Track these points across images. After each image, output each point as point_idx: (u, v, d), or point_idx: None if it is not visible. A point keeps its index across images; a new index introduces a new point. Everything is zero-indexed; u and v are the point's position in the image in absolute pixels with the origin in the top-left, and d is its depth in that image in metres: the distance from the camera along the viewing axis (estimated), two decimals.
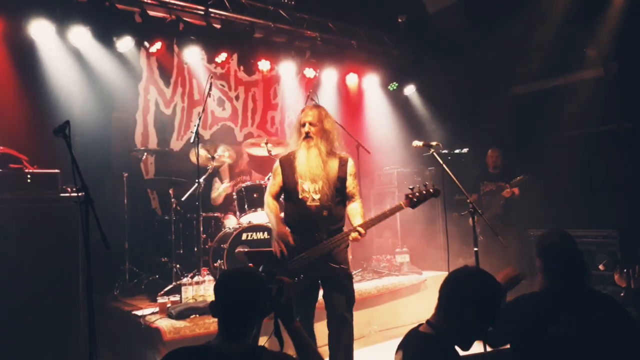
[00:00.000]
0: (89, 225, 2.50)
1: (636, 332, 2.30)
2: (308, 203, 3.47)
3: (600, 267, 4.30)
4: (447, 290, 1.98)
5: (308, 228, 3.47)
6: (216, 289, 1.86)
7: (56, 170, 4.28)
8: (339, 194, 3.56)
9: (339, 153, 3.63)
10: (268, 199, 3.65)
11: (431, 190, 3.56)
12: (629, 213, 6.72)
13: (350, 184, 3.61)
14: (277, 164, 3.68)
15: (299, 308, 3.31)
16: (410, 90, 8.19)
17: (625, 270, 3.92)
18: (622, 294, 3.94)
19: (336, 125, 3.71)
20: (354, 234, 3.42)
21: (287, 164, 3.60)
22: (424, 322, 2.01)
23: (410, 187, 3.64)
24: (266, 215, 3.74)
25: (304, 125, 3.54)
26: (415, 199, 3.55)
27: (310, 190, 3.47)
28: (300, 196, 3.49)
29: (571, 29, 6.71)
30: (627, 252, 6.01)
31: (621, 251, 6.15)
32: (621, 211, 6.74)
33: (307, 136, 3.51)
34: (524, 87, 8.20)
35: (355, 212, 3.61)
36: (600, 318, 2.21)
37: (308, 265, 3.41)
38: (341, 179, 3.54)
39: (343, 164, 3.57)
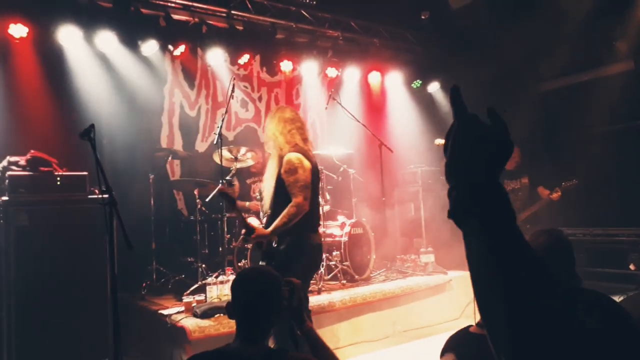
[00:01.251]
0: (114, 226, 2.56)
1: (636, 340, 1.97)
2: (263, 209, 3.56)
3: (631, 266, 4.16)
4: None
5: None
6: (234, 289, 1.87)
7: (84, 173, 4.39)
8: (277, 195, 3.46)
9: (287, 151, 3.49)
10: None
11: None
12: None
13: (285, 182, 3.44)
14: None
15: None
16: (434, 87, 8.09)
17: None
18: None
19: (280, 127, 3.55)
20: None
21: None
22: (474, 324, 1.95)
23: None
24: None
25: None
26: None
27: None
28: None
29: (599, 22, 6.54)
30: None
31: None
32: None
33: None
34: (552, 83, 8.02)
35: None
36: (593, 323, 1.92)
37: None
38: (278, 178, 3.46)
39: (280, 163, 3.48)
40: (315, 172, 3.55)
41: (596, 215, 6.58)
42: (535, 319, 0.70)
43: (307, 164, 3.45)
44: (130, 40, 5.58)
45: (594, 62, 7.33)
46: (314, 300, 4.70)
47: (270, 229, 3.30)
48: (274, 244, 3.39)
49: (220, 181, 5.26)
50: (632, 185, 6.86)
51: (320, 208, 5.59)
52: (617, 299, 5.04)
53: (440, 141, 4.10)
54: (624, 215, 6.51)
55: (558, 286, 0.73)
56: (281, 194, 3.43)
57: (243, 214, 3.61)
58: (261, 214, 3.72)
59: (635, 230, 6.14)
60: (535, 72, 7.90)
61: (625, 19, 6.48)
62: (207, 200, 5.48)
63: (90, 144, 2.81)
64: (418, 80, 7.90)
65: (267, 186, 3.59)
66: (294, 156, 3.43)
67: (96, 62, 5.58)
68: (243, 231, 3.30)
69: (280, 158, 3.48)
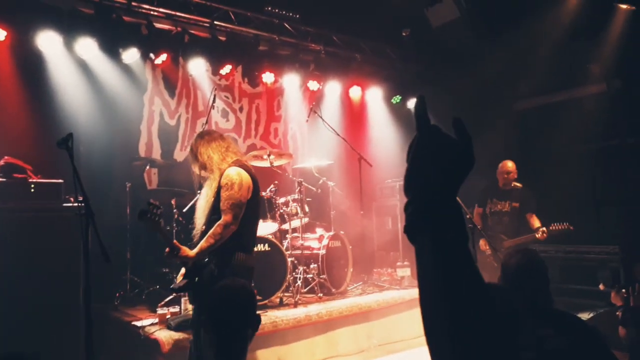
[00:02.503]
0: (89, 237, 2.53)
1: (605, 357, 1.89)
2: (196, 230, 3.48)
3: (600, 286, 4.26)
4: None
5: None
6: (213, 308, 1.87)
7: (59, 180, 4.33)
8: (213, 212, 3.35)
9: (227, 165, 3.41)
10: None
11: None
12: (632, 229, 6.70)
13: (221, 196, 3.34)
14: None
15: None
16: (413, 103, 8.21)
17: (624, 289, 3.89)
18: (617, 313, 3.91)
19: (211, 147, 3.45)
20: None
21: None
22: None
23: None
24: None
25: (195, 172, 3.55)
26: None
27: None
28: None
29: (575, 44, 6.75)
30: (629, 269, 5.98)
31: (623, 268, 6.11)
32: (624, 227, 6.71)
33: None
34: (528, 102, 8.23)
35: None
36: (564, 344, 1.87)
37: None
38: (217, 194, 3.35)
39: (219, 179, 3.37)
40: (255, 189, 3.44)
41: (567, 232, 6.73)
42: (474, 346, 0.68)
43: (246, 180, 3.35)
44: (111, 47, 5.54)
45: (568, 83, 7.55)
46: (290, 314, 4.70)
47: (195, 250, 3.18)
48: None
49: (198, 192, 5.24)
50: (603, 203, 7.04)
51: (299, 220, 5.62)
52: (587, 315, 5.16)
53: None
54: (595, 232, 6.68)
55: (499, 318, 0.71)
56: (217, 211, 3.32)
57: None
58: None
59: (605, 248, 6.31)
60: (512, 90, 8.09)
61: (598, 42, 6.68)
62: (184, 210, 5.46)
63: (68, 154, 2.79)
64: (398, 96, 8.03)
65: (201, 204, 3.43)
66: (233, 171, 3.34)
67: (75, 68, 5.52)
68: (167, 250, 3.17)
69: (221, 175, 3.36)
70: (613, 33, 6.50)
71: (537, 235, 5.66)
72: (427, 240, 0.72)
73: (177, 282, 3.39)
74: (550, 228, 5.67)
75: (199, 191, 5.15)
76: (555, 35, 6.77)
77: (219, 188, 3.32)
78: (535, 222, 5.84)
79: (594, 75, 7.36)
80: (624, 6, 6.11)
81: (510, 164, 6.08)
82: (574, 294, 6.13)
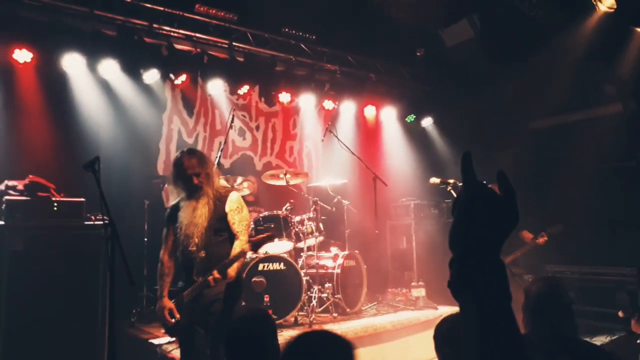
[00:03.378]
0: (115, 260, 2.58)
1: None
2: (190, 247, 3.40)
3: (620, 314, 4.23)
4: None
5: (189, 271, 3.44)
6: (229, 341, 1.90)
7: (81, 199, 4.43)
8: (216, 234, 3.44)
9: (221, 190, 3.55)
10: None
11: (268, 237, 3.52)
12: None
13: (230, 220, 3.47)
14: (166, 215, 3.59)
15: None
16: (427, 122, 8.26)
17: None
18: (638, 341, 3.87)
19: (213, 168, 3.58)
20: (209, 282, 3.29)
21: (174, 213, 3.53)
22: None
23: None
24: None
25: (189, 176, 3.42)
26: (256, 243, 3.47)
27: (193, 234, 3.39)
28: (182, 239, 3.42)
29: (590, 65, 6.76)
30: None
31: None
32: None
33: (196, 186, 3.44)
34: (542, 122, 8.23)
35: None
36: None
37: (185, 307, 3.37)
38: (220, 217, 3.44)
39: (223, 201, 3.47)
40: None
41: (584, 253, 6.68)
42: None
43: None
44: (133, 68, 5.68)
45: (583, 103, 7.56)
46: None
47: (232, 271, 3.31)
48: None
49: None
50: (620, 224, 6.99)
51: (314, 238, 5.67)
52: (605, 339, 5.09)
53: (435, 180, 4.20)
54: (611, 254, 6.62)
55: None
56: (221, 232, 3.43)
57: None
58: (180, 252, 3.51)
59: (621, 269, 6.24)
60: (526, 110, 8.10)
61: (614, 63, 6.69)
62: None
63: (94, 176, 2.86)
64: (412, 115, 8.07)
65: (196, 222, 3.39)
66: (238, 196, 3.54)
67: (98, 88, 5.66)
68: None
69: (220, 196, 3.46)
70: (630, 55, 6.51)
71: (538, 241, 5.87)
72: (470, 301, 0.74)
73: (169, 322, 3.36)
74: (548, 232, 5.88)
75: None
76: (572, 55, 6.79)
77: (220, 209, 3.43)
78: (528, 234, 6.05)
79: (610, 96, 7.37)
80: None
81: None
82: (591, 316, 6.06)
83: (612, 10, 5.84)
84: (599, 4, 5.81)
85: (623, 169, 7.27)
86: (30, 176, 4.44)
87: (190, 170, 3.41)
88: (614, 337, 5.26)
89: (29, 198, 4.27)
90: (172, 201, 3.62)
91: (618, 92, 7.18)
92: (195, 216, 3.39)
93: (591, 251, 6.72)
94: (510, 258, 5.90)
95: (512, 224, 0.78)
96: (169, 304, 3.37)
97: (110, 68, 5.49)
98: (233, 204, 3.46)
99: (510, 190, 0.80)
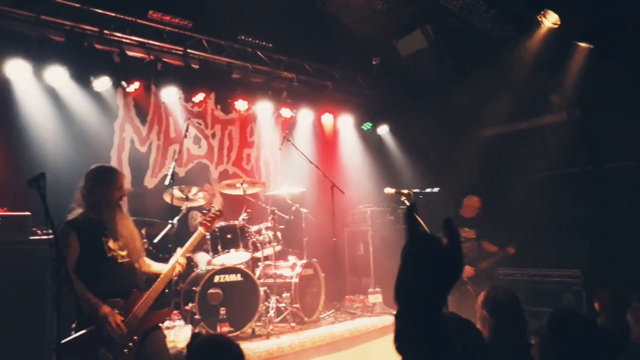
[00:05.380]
0: (61, 282, 2.49)
1: None
2: (119, 260, 3.45)
3: None
4: None
5: (126, 285, 3.48)
6: None
7: (27, 213, 4.24)
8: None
9: None
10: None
11: (217, 212, 3.99)
12: (592, 253, 6.98)
13: None
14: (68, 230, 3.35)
15: None
16: (383, 130, 8.39)
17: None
18: None
19: None
20: (178, 267, 3.72)
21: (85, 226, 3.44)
22: None
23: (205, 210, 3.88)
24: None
25: (120, 189, 3.69)
26: (209, 223, 3.91)
27: (116, 247, 3.48)
28: (108, 255, 3.39)
29: (537, 75, 7.06)
30: (591, 291, 6.20)
31: (585, 291, 6.34)
32: (585, 251, 6.99)
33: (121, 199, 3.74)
34: (493, 129, 8.52)
35: (150, 262, 3.91)
36: None
37: (138, 323, 3.42)
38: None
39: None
40: None
41: (530, 256, 6.95)
42: None
43: None
44: (82, 75, 5.47)
45: (531, 112, 7.88)
46: (263, 346, 4.67)
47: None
48: None
49: (169, 222, 5.21)
50: (565, 228, 7.33)
51: (272, 248, 5.64)
52: None
53: (390, 190, 4.28)
54: (557, 256, 6.93)
55: None
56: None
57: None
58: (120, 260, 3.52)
59: (568, 271, 6.53)
60: (477, 118, 8.37)
61: (559, 74, 7.00)
62: (154, 241, 5.39)
63: (39, 193, 2.74)
64: (368, 123, 8.19)
65: (134, 232, 3.75)
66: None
67: (44, 96, 5.42)
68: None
69: None
70: (573, 66, 6.82)
71: (509, 249, 6.57)
72: (412, 356, 0.77)
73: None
74: (512, 244, 6.62)
75: (170, 222, 5.18)
76: (520, 66, 7.06)
77: None
78: (491, 246, 6.67)
79: (554, 105, 7.71)
80: (583, 44, 6.44)
81: (478, 200, 6.78)
82: (539, 315, 6.29)
83: (557, 25, 6.11)
84: (543, 19, 6.07)
85: (568, 175, 7.61)
86: None
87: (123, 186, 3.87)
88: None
89: None
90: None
91: (563, 101, 7.52)
92: (128, 228, 3.75)
93: (539, 254, 7.00)
94: (486, 264, 6.52)
95: (455, 276, 0.81)
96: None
97: (58, 75, 5.27)
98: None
99: (454, 237, 0.82)
